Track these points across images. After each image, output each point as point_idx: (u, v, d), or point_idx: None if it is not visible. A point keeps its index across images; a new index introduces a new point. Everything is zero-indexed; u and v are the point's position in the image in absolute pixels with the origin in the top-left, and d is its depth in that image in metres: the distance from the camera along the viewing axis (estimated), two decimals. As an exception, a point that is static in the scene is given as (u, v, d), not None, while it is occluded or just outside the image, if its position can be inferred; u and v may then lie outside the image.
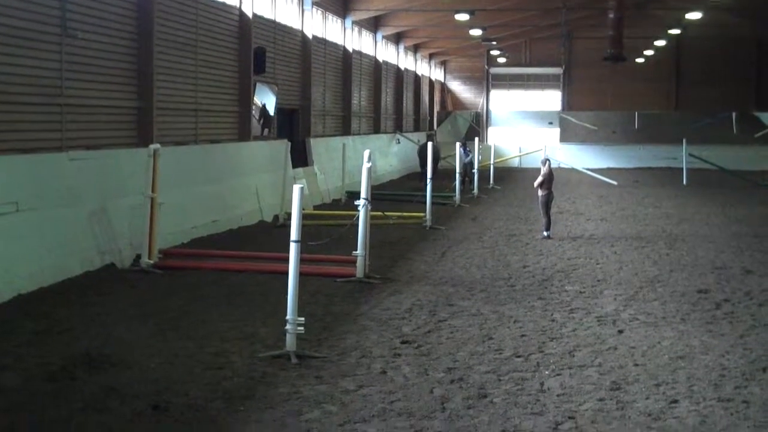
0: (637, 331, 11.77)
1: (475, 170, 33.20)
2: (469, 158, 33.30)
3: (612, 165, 49.58)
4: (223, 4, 24.82)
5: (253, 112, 26.86)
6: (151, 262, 15.57)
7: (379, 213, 21.45)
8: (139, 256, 15.74)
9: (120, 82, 19.26)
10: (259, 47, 26.67)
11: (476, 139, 36.51)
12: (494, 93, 64.08)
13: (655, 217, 26.00)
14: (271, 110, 28.33)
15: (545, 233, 21.02)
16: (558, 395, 9.04)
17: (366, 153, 15.62)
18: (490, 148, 41.34)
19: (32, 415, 8.12)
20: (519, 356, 10.53)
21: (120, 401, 8.51)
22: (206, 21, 23.66)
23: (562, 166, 42.38)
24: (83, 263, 14.85)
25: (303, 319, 10.29)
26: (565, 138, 57.72)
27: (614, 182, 38.34)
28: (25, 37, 15.91)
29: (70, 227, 14.86)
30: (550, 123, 60.45)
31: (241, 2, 25.82)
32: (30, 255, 13.60)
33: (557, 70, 62.21)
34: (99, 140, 18.27)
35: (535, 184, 21.27)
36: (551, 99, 63.17)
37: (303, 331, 10.33)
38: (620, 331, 11.79)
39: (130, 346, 10.49)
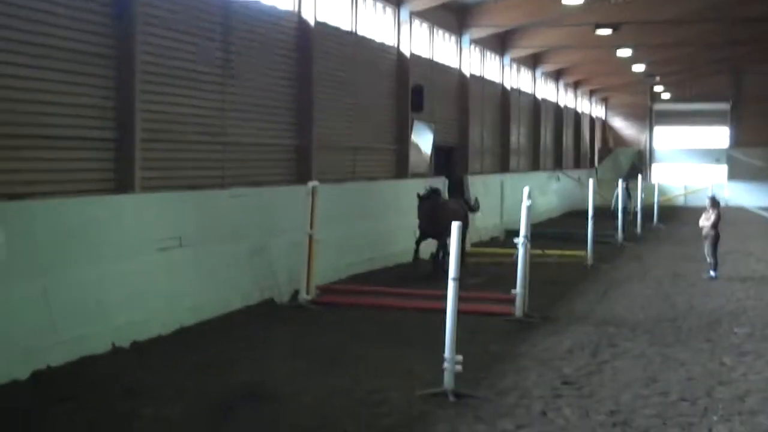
0: (815, 377, 11.09)
1: (638, 209, 32.42)
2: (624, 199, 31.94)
3: (783, 204, 47.56)
4: (382, 44, 25.10)
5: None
6: (309, 297, 15.68)
7: (539, 251, 21.06)
8: (297, 292, 15.89)
9: (280, 120, 19.67)
10: (417, 85, 26.81)
11: (639, 176, 35.65)
12: (658, 129, 62.56)
13: (832, 257, 24.66)
14: (429, 148, 28.38)
15: (712, 273, 20.20)
16: (729, 442, 8.58)
17: (525, 190, 15.36)
18: (653, 185, 40.25)
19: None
20: (686, 400, 10.06)
21: (277, 434, 8.50)
22: (364, 60, 23.96)
23: (729, 204, 40.99)
24: (243, 298, 15.07)
25: (461, 357, 10.09)
26: (733, 175, 55.76)
27: (786, 221, 36.69)
28: (192, 78, 16.44)
29: (230, 262, 15.12)
30: (717, 160, 58.56)
31: (399, 42, 26.05)
32: (192, 289, 13.89)
33: (724, 106, 60.24)
34: (259, 177, 18.64)
35: (710, 224, 20.38)
36: (718, 135, 61.14)
37: (461, 370, 10.12)
38: (795, 376, 11.15)
39: (288, 381, 10.51)
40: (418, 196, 19.58)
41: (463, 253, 18.77)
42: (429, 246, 20.57)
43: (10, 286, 10.63)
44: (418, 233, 19.62)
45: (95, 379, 10.41)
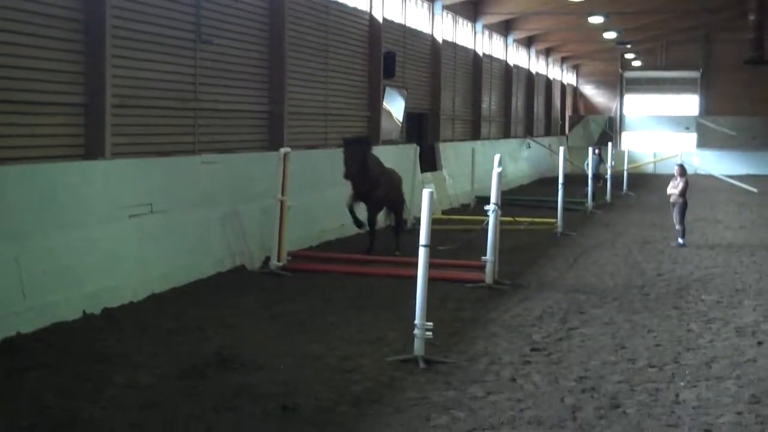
0: (780, 343, 11.27)
1: (607, 176, 32.62)
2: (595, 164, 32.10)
3: (752, 172, 47.95)
4: (354, 9, 24.99)
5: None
6: (281, 264, 15.70)
7: (510, 218, 21.18)
8: (268, 258, 15.90)
9: (252, 86, 19.56)
10: (389, 51, 26.75)
11: (609, 144, 35.83)
12: (628, 97, 62.76)
13: (798, 225, 24.94)
14: (401, 115, 28.36)
15: (680, 241, 20.40)
16: (694, 407, 8.72)
17: (496, 157, 15.41)
18: (623, 153, 40.47)
19: (165, 412, 8.24)
20: (653, 366, 10.20)
21: (250, 401, 8.56)
22: (337, 26, 23.85)
23: (699, 172, 41.27)
24: (215, 264, 15.08)
25: (432, 323, 10.17)
26: (702, 143, 56.18)
27: (754, 189, 37.00)
28: (163, 43, 16.31)
29: (202, 229, 15.12)
30: (687, 128, 58.97)
31: (371, 7, 25.95)
32: (163, 255, 13.88)
33: (694, 74, 60.48)
34: (231, 143, 18.58)
35: (678, 192, 20.46)
36: (688, 103, 61.43)
37: (431, 336, 10.20)
38: (760, 343, 11.32)
39: (259, 347, 10.57)
40: (344, 140, 17.22)
41: (399, 227, 18.75)
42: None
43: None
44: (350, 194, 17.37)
45: (66, 346, 10.40)
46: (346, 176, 16.85)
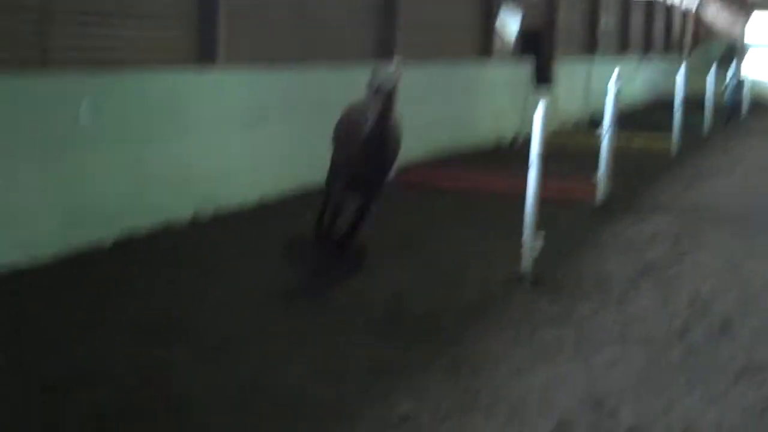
0: None
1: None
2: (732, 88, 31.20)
3: None
4: None
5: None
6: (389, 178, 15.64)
7: (623, 138, 20.66)
8: (377, 172, 15.85)
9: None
10: (504, -35, 26.09)
11: (732, 66, 34.60)
12: (752, 19, 60.12)
13: None
14: (514, 34, 27.75)
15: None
16: (808, 331, 8.48)
17: (613, 76, 14.96)
18: (744, 76, 38.92)
19: (267, 322, 8.37)
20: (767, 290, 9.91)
21: (355, 310, 8.63)
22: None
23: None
24: (324, 174, 15.07)
25: (540, 241, 10.00)
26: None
27: None
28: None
29: (313, 139, 15.05)
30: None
31: None
32: (275, 164, 14.00)
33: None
34: (343, 54, 18.44)
35: None
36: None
37: (539, 254, 10.05)
38: None
39: (366, 258, 10.60)
40: (373, 85, 10.38)
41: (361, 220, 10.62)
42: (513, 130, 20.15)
43: (96, 153, 10.80)
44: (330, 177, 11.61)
45: (176, 249, 10.63)
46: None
